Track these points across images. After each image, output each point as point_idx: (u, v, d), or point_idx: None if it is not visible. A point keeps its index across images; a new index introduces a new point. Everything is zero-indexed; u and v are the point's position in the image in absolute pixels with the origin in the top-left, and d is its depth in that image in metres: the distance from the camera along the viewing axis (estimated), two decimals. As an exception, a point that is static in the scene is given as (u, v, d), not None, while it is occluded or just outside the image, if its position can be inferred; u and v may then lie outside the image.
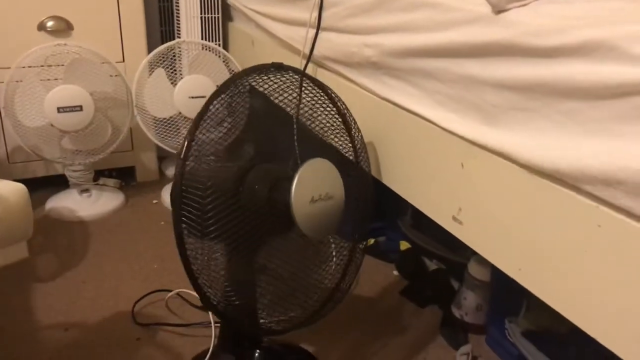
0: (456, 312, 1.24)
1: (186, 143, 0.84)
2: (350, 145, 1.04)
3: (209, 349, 1.07)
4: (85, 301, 1.28)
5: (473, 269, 1.19)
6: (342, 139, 1.05)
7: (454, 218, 0.86)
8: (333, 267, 1.08)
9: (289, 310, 1.03)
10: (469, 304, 1.21)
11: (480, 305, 1.20)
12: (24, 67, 1.55)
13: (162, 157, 2.00)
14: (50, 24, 1.65)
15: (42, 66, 1.58)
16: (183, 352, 1.12)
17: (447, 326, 1.22)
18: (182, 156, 0.84)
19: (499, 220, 0.77)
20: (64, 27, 1.66)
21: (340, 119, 1.02)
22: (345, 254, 1.08)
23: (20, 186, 0.93)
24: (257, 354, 1.04)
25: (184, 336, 1.14)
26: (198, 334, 1.11)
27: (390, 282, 1.41)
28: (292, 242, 1.00)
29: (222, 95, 0.92)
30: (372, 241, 1.56)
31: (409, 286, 1.38)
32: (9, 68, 1.56)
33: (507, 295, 1.12)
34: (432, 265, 1.42)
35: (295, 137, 1.00)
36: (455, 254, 1.34)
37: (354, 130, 1.03)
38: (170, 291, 1.28)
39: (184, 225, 0.86)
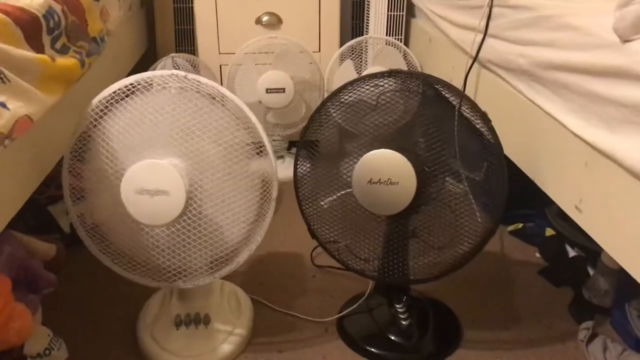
0: (586, 294, 1.38)
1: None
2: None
3: (367, 290, 1.35)
4: (276, 241, 1.64)
5: (605, 257, 1.33)
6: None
7: (576, 207, 1.03)
8: (471, 240, 1.27)
9: (431, 268, 1.26)
10: (598, 288, 1.35)
11: (608, 290, 1.34)
12: (245, 53, 1.94)
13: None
14: (265, 18, 2.02)
15: (257, 53, 1.96)
16: (347, 289, 1.42)
17: (575, 304, 1.37)
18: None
19: (614, 215, 0.93)
20: (275, 21, 2.03)
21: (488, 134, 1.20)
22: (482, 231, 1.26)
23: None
24: (404, 299, 1.30)
25: (349, 278, 1.43)
26: (361, 278, 1.38)
27: (531, 262, 1.58)
28: (436, 214, 1.23)
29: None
30: (520, 225, 1.72)
31: (548, 267, 1.54)
32: (233, 54, 1.96)
33: (632, 282, 1.25)
34: (572, 252, 1.56)
35: (456, 131, 1.20)
36: (594, 243, 1.47)
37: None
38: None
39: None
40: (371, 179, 1.12)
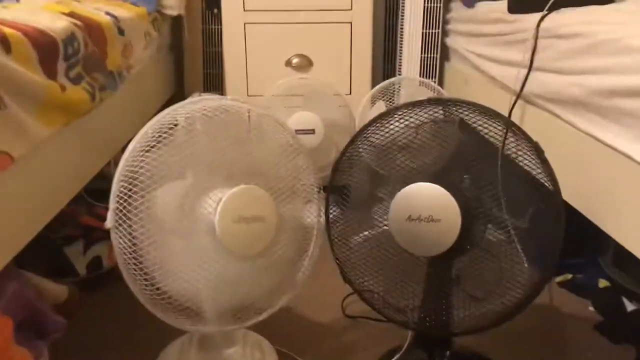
0: (652, 353, 1.24)
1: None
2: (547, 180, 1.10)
3: (405, 343, 1.22)
4: (306, 292, 1.51)
5: (673, 310, 1.19)
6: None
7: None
8: (518, 291, 1.15)
9: (476, 319, 1.14)
10: (666, 346, 1.21)
11: (678, 349, 1.19)
12: (273, 95, 1.88)
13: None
14: (295, 60, 1.97)
15: (285, 96, 1.90)
16: (382, 343, 1.29)
17: (640, 365, 1.22)
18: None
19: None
20: (306, 64, 1.98)
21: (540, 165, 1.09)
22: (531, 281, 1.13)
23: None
24: (447, 354, 1.17)
25: (384, 330, 1.30)
26: (398, 330, 1.25)
27: (585, 316, 1.44)
28: (480, 260, 1.11)
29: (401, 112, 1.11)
30: (569, 276, 1.58)
31: (604, 322, 1.39)
32: (261, 96, 1.91)
33: None
34: (630, 305, 1.42)
35: (499, 174, 1.09)
36: (658, 295, 1.33)
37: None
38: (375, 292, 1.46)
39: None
40: (410, 216, 1.02)
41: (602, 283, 1.50)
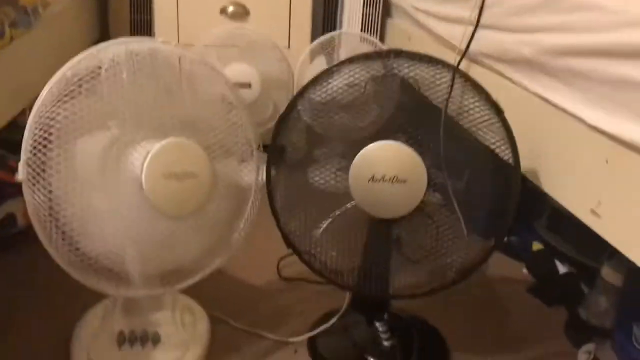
0: (583, 314, 1.26)
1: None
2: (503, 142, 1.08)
3: (342, 306, 1.18)
4: (240, 254, 1.45)
5: (606, 272, 1.21)
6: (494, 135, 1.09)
7: (592, 211, 0.90)
8: (456, 256, 1.13)
9: (415, 283, 1.11)
10: (597, 307, 1.23)
11: (608, 310, 1.21)
12: (205, 45, 1.76)
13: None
14: (230, 8, 1.86)
15: (220, 46, 1.79)
16: (320, 306, 1.25)
17: (572, 325, 1.24)
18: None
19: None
20: (242, 12, 1.87)
21: (498, 117, 1.05)
22: (476, 249, 1.11)
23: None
24: (385, 317, 1.14)
25: (321, 292, 1.26)
26: (335, 292, 1.22)
27: (518, 279, 1.45)
28: (422, 224, 1.08)
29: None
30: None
31: (537, 285, 1.41)
32: (192, 45, 1.79)
33: (638, 302, 1.12)
34: (562, 268, 1.44)
35: (442, 131, 1.06)
36: (589, 258, 1.35)
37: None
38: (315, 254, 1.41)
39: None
40: (373, 176, 0.96)
41: (536, 246, 1.51)
